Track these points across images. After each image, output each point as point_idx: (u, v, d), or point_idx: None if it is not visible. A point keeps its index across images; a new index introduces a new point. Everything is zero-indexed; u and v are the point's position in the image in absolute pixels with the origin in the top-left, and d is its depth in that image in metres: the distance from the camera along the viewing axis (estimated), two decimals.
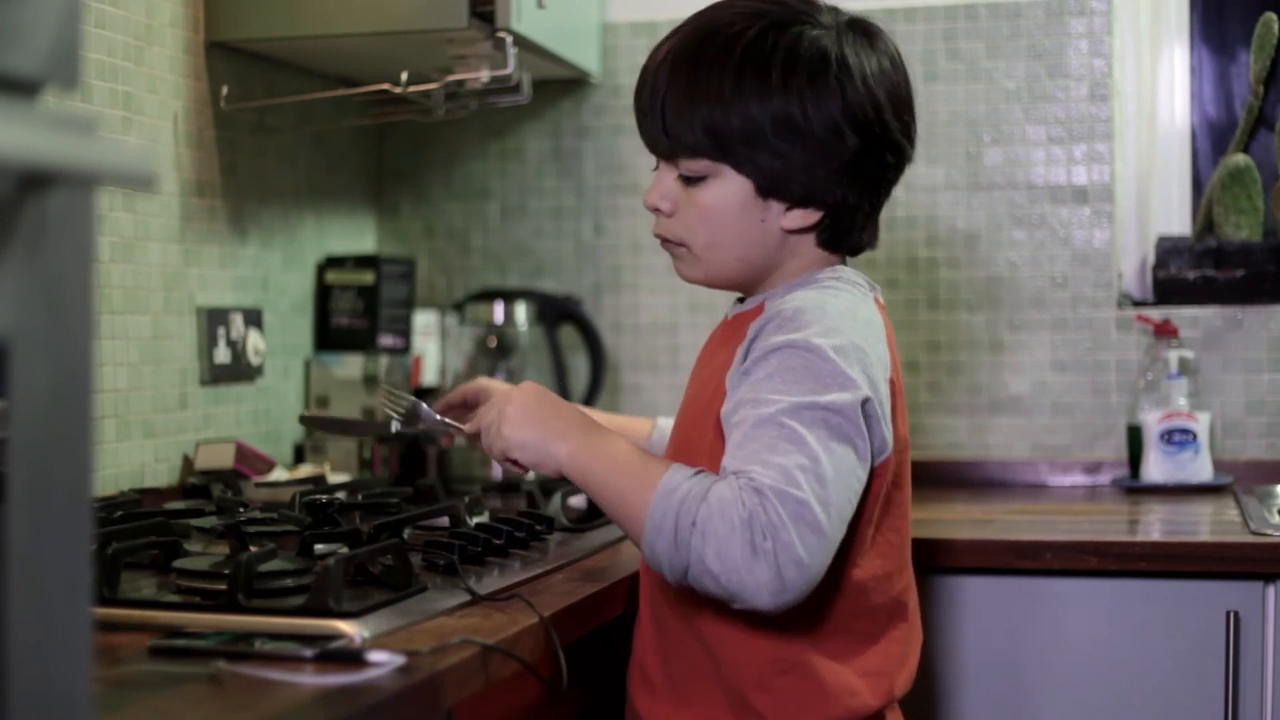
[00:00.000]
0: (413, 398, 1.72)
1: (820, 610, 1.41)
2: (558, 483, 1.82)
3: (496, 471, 2.37)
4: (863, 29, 1.47)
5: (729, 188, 1.44)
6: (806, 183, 1.42)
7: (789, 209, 1.44)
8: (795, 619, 1.39)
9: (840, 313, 1.38)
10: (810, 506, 1.26)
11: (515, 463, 1.46)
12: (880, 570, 1.45)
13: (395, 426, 1.79)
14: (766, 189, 1.43)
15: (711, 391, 1.43)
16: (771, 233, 1.45)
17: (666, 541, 1.30)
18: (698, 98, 1.42)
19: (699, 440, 1.43)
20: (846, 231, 1.47)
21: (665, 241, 1.50)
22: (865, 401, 1.34)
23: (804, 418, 1.30)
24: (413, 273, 2.65)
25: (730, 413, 1.36)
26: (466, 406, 1.84)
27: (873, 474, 1.38)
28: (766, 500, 1.26)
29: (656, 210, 1.48)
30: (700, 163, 1.44)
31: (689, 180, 1.45)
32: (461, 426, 1.66)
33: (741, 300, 1.54)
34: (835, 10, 1.48)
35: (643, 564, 1.52)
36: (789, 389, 1.32)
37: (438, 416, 1.71)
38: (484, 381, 1.86)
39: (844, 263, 1.51)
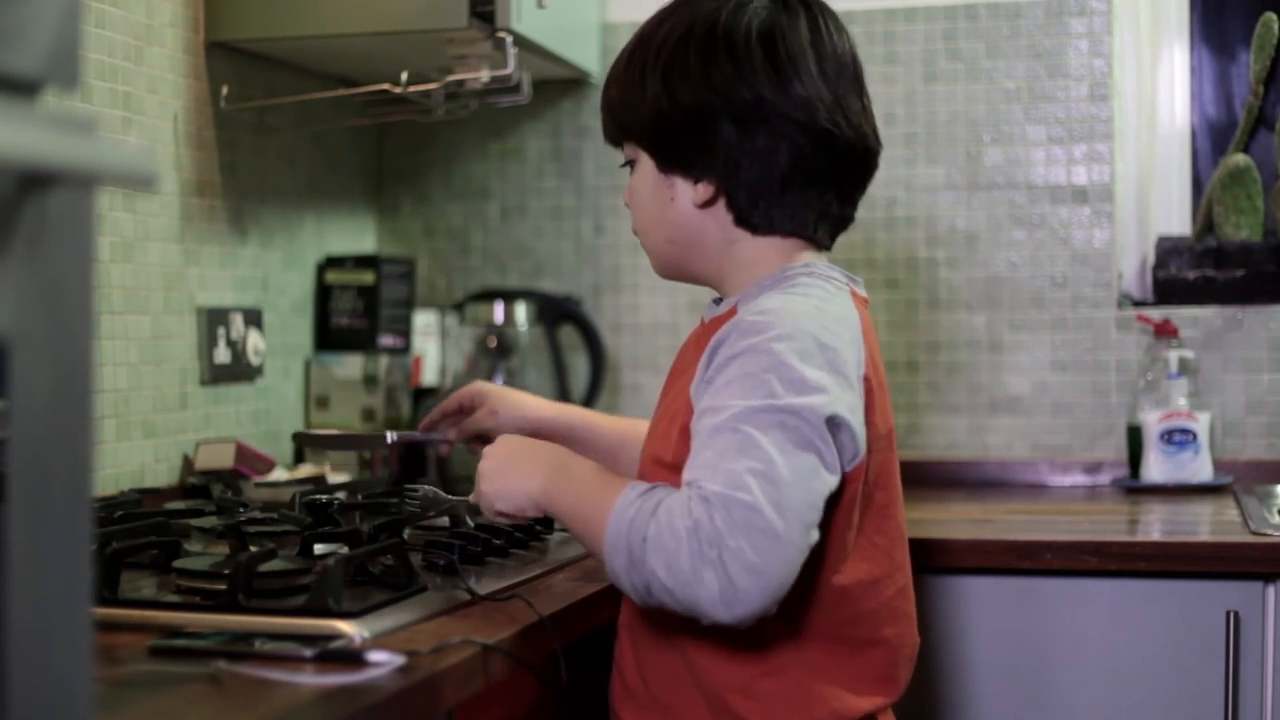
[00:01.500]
0: (428, 488, 1.73)
1: (802, 620, 1.38)
2: None
3: None
4: (785, 3, 1.45)
5: (643, 169, 1.47)
6: (690, 153, 1.43)
7: (695, 184, 1.44)
8: (777, 629, 1.36)
9: (806, 314, 1.35)
10: (760, 511, 1.23)
11: (504, 514, 1.45)
12: (867, 576, 1.41)
13: (391, 437, 1.82)
14: (663, 164, 1.45)
15: (680, 403, 1.41)
16: (686, 213, 1.45)
17: (624, 562, 1.28)
18: (613, 86, 1.49)
19: (663, 452, 1.41)
20: (752, 207, 1.43)
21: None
22: (827, 406, 1.30)
23: (758, 421, 1.27)
24: (413, 273, 2.65)
25: (694, 424, 1.34)
26: (463, 412, 1.84)
27: (847, 479, 1.35)
28: (713, 508, 1.23)
29: (629, 206, 1.53)
30: (625, 147, 1.49)
31: (631, 169, 1.51)
32: (450, 440, 1.76)
33: (719, 302, 1.53)
34: None
35: None
36: (746, 394, 1.29)
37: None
38: (479, 385, 1.85)
39: (819, 253, 1.48)
